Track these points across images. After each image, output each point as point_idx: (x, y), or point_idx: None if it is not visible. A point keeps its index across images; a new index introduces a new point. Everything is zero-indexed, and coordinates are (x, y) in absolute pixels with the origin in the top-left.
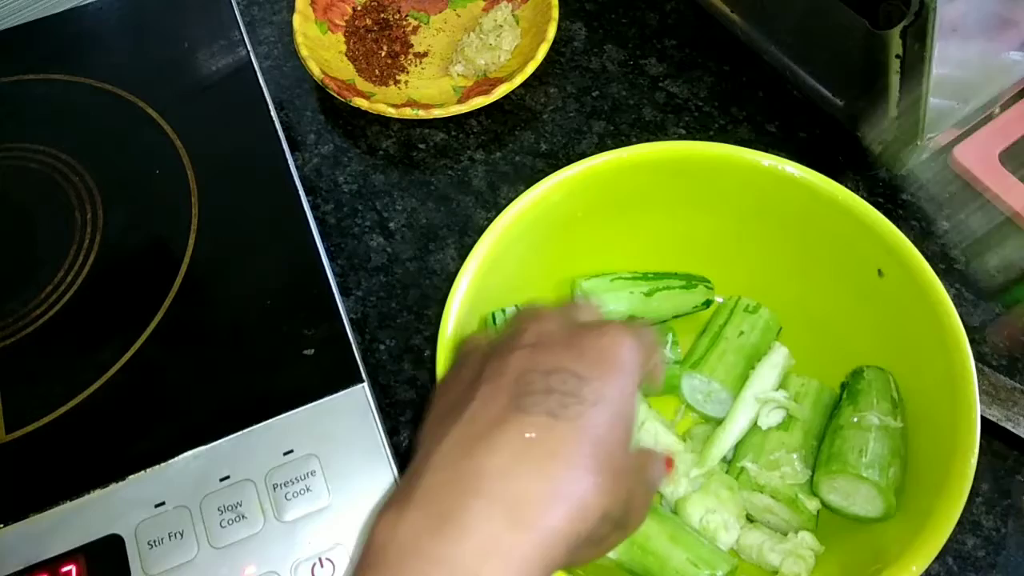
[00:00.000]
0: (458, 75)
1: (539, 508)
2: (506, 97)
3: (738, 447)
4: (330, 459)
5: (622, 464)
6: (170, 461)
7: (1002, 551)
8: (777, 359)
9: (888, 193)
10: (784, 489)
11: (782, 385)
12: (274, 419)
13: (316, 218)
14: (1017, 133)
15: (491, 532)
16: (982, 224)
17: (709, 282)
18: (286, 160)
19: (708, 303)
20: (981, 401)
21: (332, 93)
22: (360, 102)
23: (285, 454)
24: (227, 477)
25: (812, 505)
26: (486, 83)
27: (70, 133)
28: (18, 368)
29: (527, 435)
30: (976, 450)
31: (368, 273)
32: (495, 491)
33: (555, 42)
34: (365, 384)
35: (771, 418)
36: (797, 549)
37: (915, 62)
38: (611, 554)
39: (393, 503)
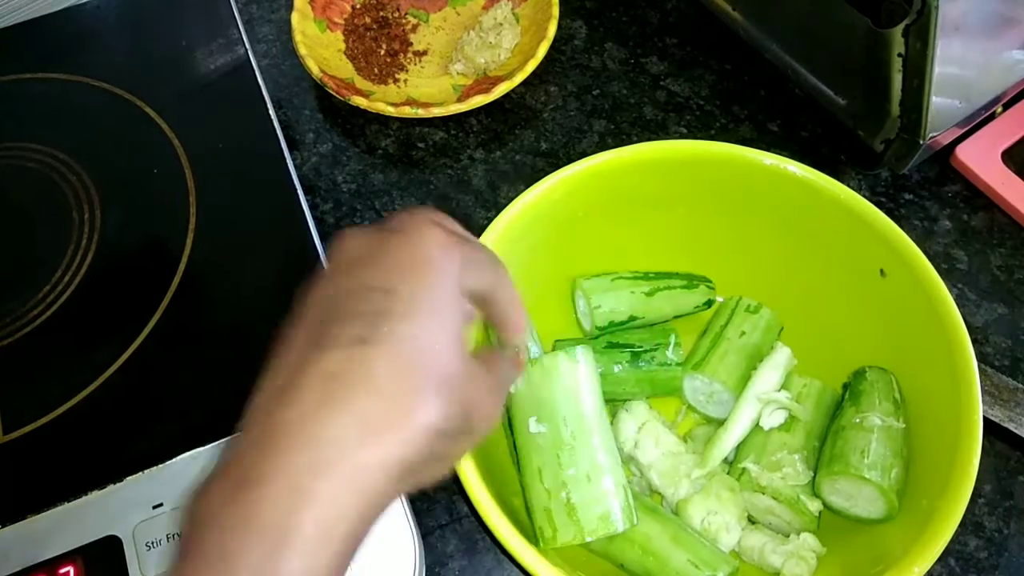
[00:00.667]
0: (458, 73)
1: (345, 447)
2: (506, 96)
3: (740, 448)
4: None
5: (450, 372)
6: (168, 462)
7: (1004, 552)
8: (780, 359)
9: (890, 192)
10: (786, 490)
11: (784, 386)
12: None
13: (315, 217)
14: (1019, 132)
15: (291, 484)
16: (984, 223)
17: (710, 282)
18: (284, 159)
19: (709, 303)
20: (983, 402)
21: (331, 92)
22: (359, 101)
23: None
24: None
25: (814, 506)
26: (486, 81)
27: (68, 132)
28: (16, 369)
29: (325, 374)
30: (978, 451)
31: None
32: (296, 442)
33: (555, 40)
34: None
35: (773, 419)
36: (799, 550)
37: (917, 61)
38: (605, 550)
39: (204, 479)
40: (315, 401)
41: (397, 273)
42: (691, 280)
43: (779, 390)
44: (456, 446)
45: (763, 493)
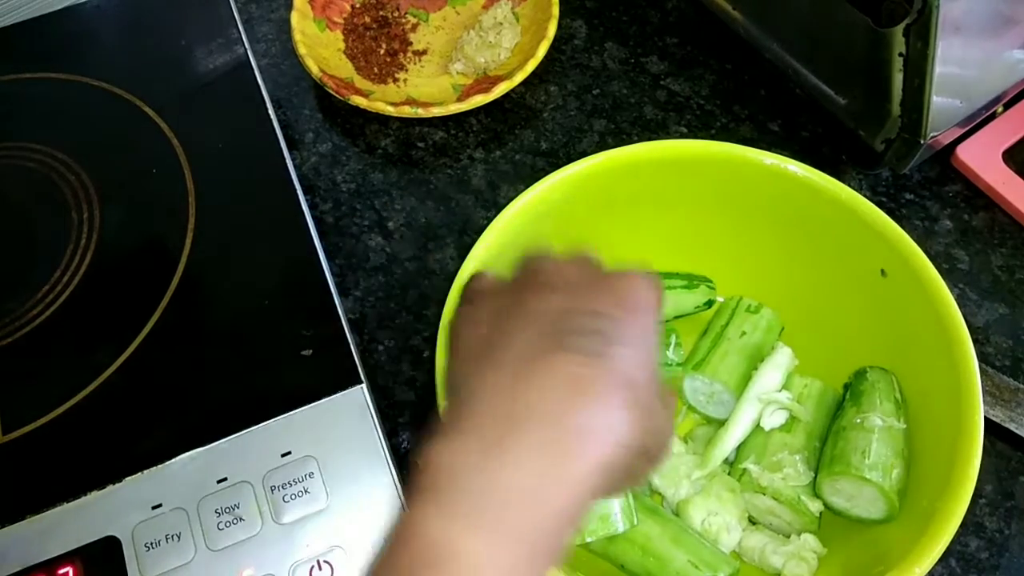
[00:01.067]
0: (457, 73)
1: (585, 441)
2: (506, 95)
3: (740, 448)
4: (328, 461)
5: (648, 399)
6: (167, 463)
7: (1005, 553)
8: (781, 360)
9: (891, 192)
10: (786, 491)
11: (785, 386)
12: (272, 420)
13: (314, 217)
14: (1020, 132)
15: (543, 463)
16: (985, 223)
17: (711, 282)
18: (284, 159)
19: (710, 303)
20: (984, 402)
21: (330, 91)
22: (359, 100)
23: (283, 456)
24: (224, 479)
25: (815, 507)
26: (486, 81)
27: (67, 132)
28: (14, 369)
29: (571, 372)
30: (979, 451)
31: (367, 273)
32: (545, 425)
33: (555, 40)
34: (364, 385)
35: (774, 419)
36: (799, 551)
37: (918, 60)
38: (606, 551)
39: (443, 434)
40: (559, 393)
41: (617, 306)
42: (691, 280)
43: (780, 390)
44: (642, 465)
45: (764, 494)
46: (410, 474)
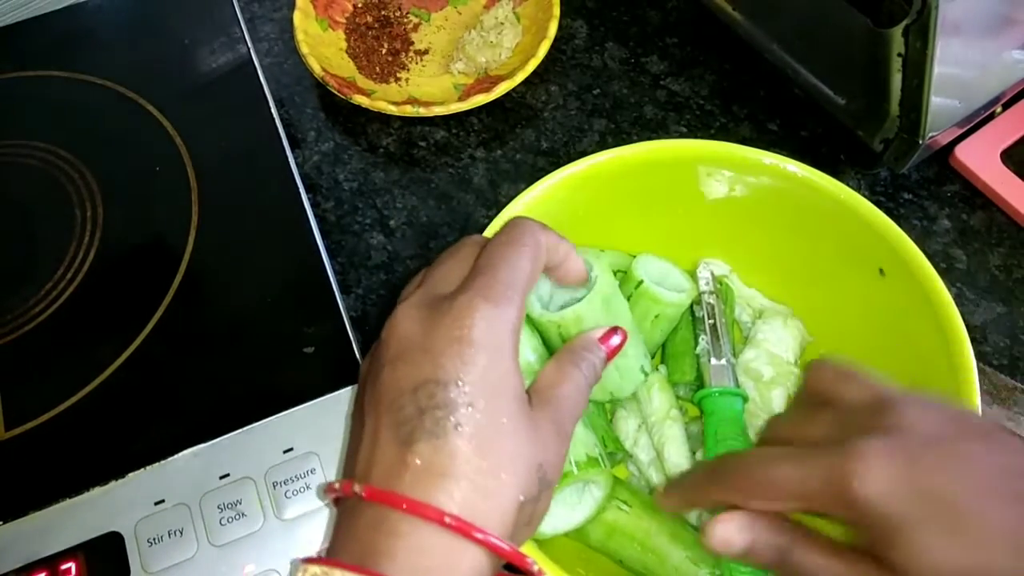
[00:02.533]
0: (459, 72)
1: (456, 539)
2: (507, 95)
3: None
4: (330, 457)
5: (517, 448)
6: (170, 459)
7: None
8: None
9: (889, 192)
10: None
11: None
12: (274, 417)
13: (316, 216)
14: (1019, 132)
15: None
16: (983, 223)
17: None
18: (286, 157)
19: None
20: (982, 401)
21: (333, 90)
22: (361, 99)
23: (285, 452)
24: (227, 475)
25: None
26: (487, 81)
27: (70, 130)
28: (18, 366)
29: (416, 462)
30: None
31: (368, 271)
32: (410, 531)
33: (556, 40)
34: None
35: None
36: None
37: (917, 60)
38: (605, 546)
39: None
40: (420, 492)
41: (449, 360)
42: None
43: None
44: (540, 505)
45: None
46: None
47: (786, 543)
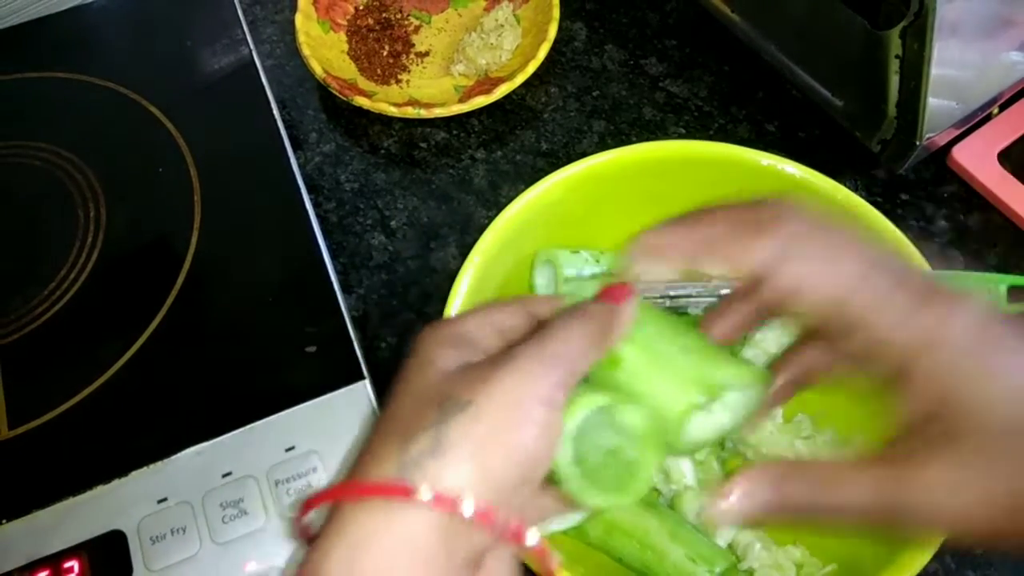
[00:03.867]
0: (459, 74)
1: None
2: (507, 96)
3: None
4: (332, 456)
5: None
6: (172, 457)
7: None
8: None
9: (887, 193)
10: None
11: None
12: (276, 416)
13: (318, 216)
14: (1016, 133)
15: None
16: (980, 223)
17: None
18: (288, 158)
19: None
20: None
21: (334, 92)
22: (362, 101)
23: (287, 450)
24: (229, 473)
25: None
26: (487, 82)
27: (73, 131)
28: (21, 365)
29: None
30: None
31: (369, 271)
32: None
33: (556, 42)
34: (366, 381)
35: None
36: (778, 559)
37: (914, 62)
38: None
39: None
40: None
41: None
42: None
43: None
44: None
45: None
46: None
47: (796, 485)
